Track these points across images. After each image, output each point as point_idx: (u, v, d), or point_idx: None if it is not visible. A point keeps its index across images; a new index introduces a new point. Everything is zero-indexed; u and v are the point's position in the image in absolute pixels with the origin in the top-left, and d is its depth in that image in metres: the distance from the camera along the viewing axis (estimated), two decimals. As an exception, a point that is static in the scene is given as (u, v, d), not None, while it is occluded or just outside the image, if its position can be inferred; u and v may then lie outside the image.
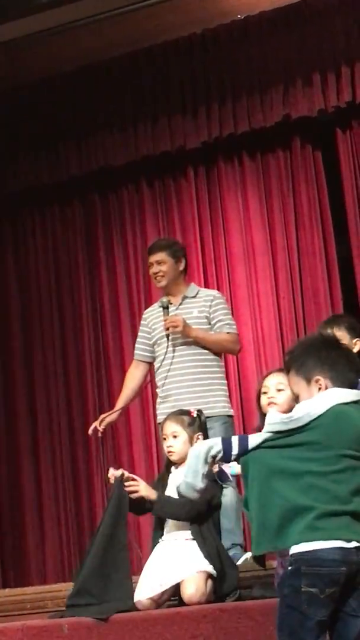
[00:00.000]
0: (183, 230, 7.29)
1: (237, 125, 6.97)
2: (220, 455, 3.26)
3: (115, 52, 7.16)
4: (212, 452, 3.27)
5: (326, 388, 3.24)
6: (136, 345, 5.97)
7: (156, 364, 5.81)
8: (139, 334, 5.97)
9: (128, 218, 7.53)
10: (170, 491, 4.74)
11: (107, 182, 7.58)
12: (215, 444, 3.28)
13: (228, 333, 5.77)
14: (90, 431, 5.89)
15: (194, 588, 4.50)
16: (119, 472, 4.83)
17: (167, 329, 5.64)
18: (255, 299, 7.09)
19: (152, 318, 5.89)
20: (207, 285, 6.91)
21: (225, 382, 5.92)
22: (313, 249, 6.98)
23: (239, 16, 6.97)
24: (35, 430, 7.56)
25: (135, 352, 5.96)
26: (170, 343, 5.67)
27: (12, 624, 4.67)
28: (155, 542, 4.82)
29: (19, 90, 7.42)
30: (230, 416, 5.78)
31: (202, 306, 5.77)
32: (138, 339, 5.96)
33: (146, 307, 6.28)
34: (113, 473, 4.84)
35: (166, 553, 4.70)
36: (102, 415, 5.98)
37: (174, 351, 5.68)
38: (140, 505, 4.83)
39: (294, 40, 6.83)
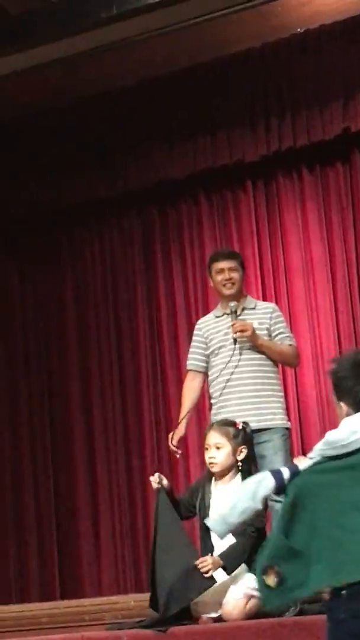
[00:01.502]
0: (241, 244, 7.28)
1: (297, 138, 6.96)
2: (273, 490, 3.22)
3: (175, 65, 7.19)
4: (266, 492, 3.23)
5: (347, 414, 3.21)
6: (191, 356, 5.94)
7: (212, 374, 5.79)
8: (194, 344, 5.95)
9: (186, 231, 7.55)
10: (213, 506, 4.71)
11: (165, 195, 7.60)
12: (264, 478, 3.23)
13: (290, 345, 5.77)
14: (176, 454, 5.87)
15: (231, 605, 4.48)
16: (160, 481, 4.79)
17: (236, 332, 5.64)
18: (313, 313, 7.06)
19: (209, 328, 5.88)
20: (265, 298, 6.90)
21: (283, 394, 5.91)
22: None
23: (298, 30, 6.96)
24: (91, 442, 7.59)
25: (191, 362, 5.93)
26: (236, 350, 5.65)
27: (71, 635, 4.69)
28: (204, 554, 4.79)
29: (78, 105, 7.49)
30: (287, 428, 5.75)
31: (261, 318, 5.78)
32: (193, 350, 5.94)
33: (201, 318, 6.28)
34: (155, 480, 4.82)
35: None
36: (170, 435, 5.91)
37: (238, 360, 5.67)
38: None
39: (353, 53, 6.80)
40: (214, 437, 4.86)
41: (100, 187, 7.55)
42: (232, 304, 5.74)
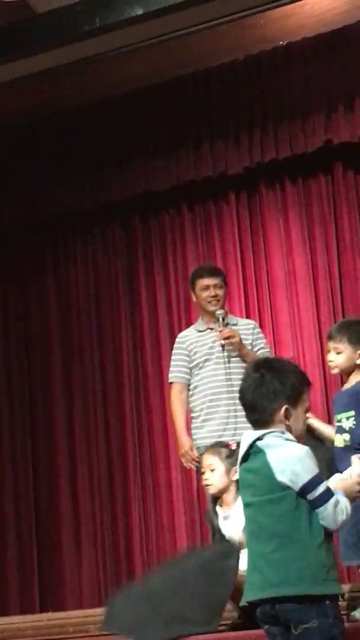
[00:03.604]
0: (224, 255, 7.31)
1: (279, 150, 6.99)
2: None
3: (159, 78, 7.21)
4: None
5: None
6: (176, 369, 5.96)
7: (196, 387, 5.83)
8: (177, 357, 5.97)
9: (169, 242, 7.56)
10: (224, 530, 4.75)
11: (148, 206, 7.61)
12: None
13: None
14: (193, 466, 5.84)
15: None
16: None
17: (224, 339, 5.67)
18: (296, 325, 7.08)
19: (192, 341, 5.92)
20: (247, 310, 6.94)
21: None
22: (355, 274, 6.97)
23: (281, 42, 6.99)
24: (73, 451, 7.58)
25: (177, 375, 5.95)
26: (225, 361, 5.67)
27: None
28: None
29: (62, 116, 7.49)
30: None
31: (244, 333, 5.85)
32: (177, 362, 5.97)
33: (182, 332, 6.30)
34: None
35: None
36: (183, 451, 5.85)
37: (228, 372, 5.70)
38: None
39: (336, 66, 6.84)
40: (207, 459, 4.91)
41: (84, 198, 7.56)
42: (220, 311, 5.80)
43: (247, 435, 3.34)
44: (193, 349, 5.90)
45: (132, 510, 7.33)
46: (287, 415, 3.28)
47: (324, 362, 6.92)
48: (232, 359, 5.76)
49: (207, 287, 5.90)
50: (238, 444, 4.95)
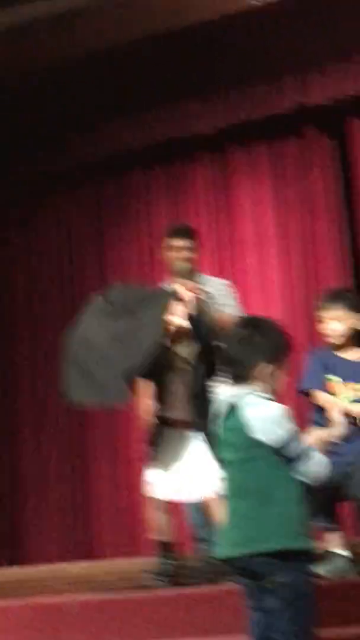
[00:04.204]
0: (195, 216, 7.27)
1: (251, 111, 6.96)
2: None
3: (129, 36, 7.10)
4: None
5: None
6: None
7: None
8: None
9: (140, 202, 7.52)
10: None
11: (119, 166, 7.56)
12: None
13: (229, 314, 5.78)
14: None
15: None
16: None
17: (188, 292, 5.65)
18: (266, 286, 7.08)
19: None
20: (217, 270, 6.91)
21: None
22: (324, 236, 6.97)
23: (255, 2, 6.93)
24: (38, 409, 7.57)
25: None
26: None
27: (19, 601, 4.70)
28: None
29: (27, 77, 7.34)
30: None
31: (212, 293, 5.80)
32: None
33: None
34: None
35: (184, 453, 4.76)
36: None
37: None
38: None
39: (310, 28, 6.79)
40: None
41: (54, 158, 7.50)
42: (183, 266, 5.75)
43: (225, 392, 3.38)
44: None
45: (101, 465, 7.32)
46: (268, 376, 3.32)
47: (293, 323, 6.96)
48: None
49: (177, 248, 5.86)
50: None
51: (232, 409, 3.31)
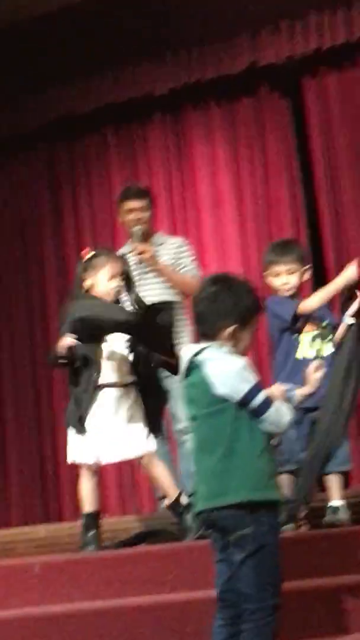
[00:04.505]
0: (150, 177, 7.24)
1: (205, 71, 6.95)
2: None
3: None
4: None
5: None
6: None
7: None
8: None
9: (94, 165, 7.48)
10: None
11: (72, 129, 7.50)
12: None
13: (192, 276, 5.81)
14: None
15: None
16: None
17: (138, 254, 5.66)
18: (221, 247, 7.09)
19: None
20: (174, 232, 6.90)
21: (189, 328, 5.96)
22: (280, 197, 6.98)
23: None
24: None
25: None
26: (141, 281, 5.66)
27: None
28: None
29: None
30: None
31: (169, 253, 5.85)
32: None
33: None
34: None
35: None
36: None
37: (139, 291, 5.69)
38: None
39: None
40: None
41: (5, 121, 7.43)
42: (136, 228, 5.77)
43: (187, 349, 3.38)
44: None
45: (59, 426, 7.31)
46: (233, 335, 3.31)
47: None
48: (149, 284, 5.75)
49: (131, 210, 5.86)
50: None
51: (193, 366, 3.31)
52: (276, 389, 3.41)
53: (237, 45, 6.87)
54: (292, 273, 4.94)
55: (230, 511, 3.20)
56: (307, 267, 5.03)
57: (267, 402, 3.24)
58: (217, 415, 3.23)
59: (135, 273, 5.68)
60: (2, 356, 7.55)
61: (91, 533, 4.75)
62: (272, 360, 5.10)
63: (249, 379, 3.25)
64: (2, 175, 7.73)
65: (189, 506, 4.62)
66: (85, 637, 3.97)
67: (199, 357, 3.30)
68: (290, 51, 6.76)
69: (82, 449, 4.77)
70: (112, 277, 4.95)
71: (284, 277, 4.94)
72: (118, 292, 4.97)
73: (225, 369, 3.24)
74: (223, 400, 3.23)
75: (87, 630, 3.99)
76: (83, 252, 5.11)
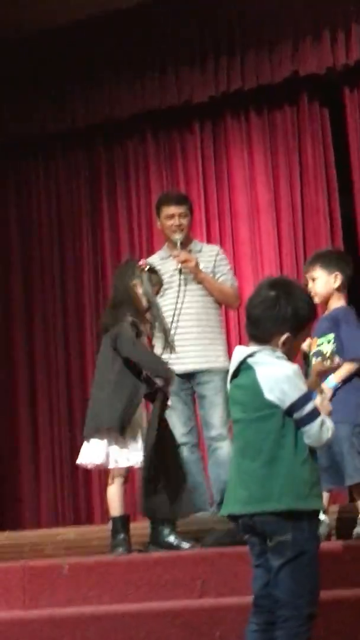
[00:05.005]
0: (187, 185, 7.28)
1: (245, 80, 6.97)
2: None
3: (124, 2, 7.11)
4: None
5: None
6: None
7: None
8: None
9: (132, 170, 7.53)
10: None
11: (112, 133, 7.56)
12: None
13: (231, 286, 5.84)
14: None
15: None
16: None
17: (180, 262, 5.67)
18: (258, 256, 7.09)
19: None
20: (209, 241, 6.92)
21: (225, 336, 5.98)
22: (317, 207, 6.98)
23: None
24: (33, 376, 7.58)
25: None
26: (182, 291, 5.68)
27: (13, 563, 4.73)
28: None
29: (26, 39, 7.38)
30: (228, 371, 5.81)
31: (206, 261, 5.84)
32: None
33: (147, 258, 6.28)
34: None
35: None
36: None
37: (182, 302, 5.71)
38: None
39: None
40: None
41: (48, 122, 7.51)
42: (178, 236, 5.77)
43: (239, 350, 3.33)
44: None
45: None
46: (285, 343, 3.26)
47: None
48: (189, 292, 5.76)
49: (171, 216, 5.86)
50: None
51: (244, 368, 3.27)
52: (324, 405, 3.33)
53: (278, 54, 6.89)
54: (316, 280, 4.89)
55: (271, 517, 3.18)
56: (335, 274, 4.86)
57: (314, 414, 3.20)
58: (264, 421, 3.20)
59: (174, 279, 5.71)
60: (36, 358, 7.58)
61: (121, 536, 4.76)
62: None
63: (300, 387, 3.21)
64: (43, 174, 7.79)
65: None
66: (113, 639, 3.97)
67: (251, 360, 3.25)
68: (332, 62, 6.75)
69: (116, 453, 4.82)
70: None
71: (310, 284, 4.91)
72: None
73: (276, 374, 3.20)
74: (272, 405, 3.18)
75: (115, 633, 3.99)
76: (141, 263, 5.13)
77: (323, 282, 4.85)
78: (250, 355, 3.25)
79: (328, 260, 4.90)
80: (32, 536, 5.69)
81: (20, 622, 4.18)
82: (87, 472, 7.21)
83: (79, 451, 7.27)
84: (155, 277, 5.12)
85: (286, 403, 3.18)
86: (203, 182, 7.29)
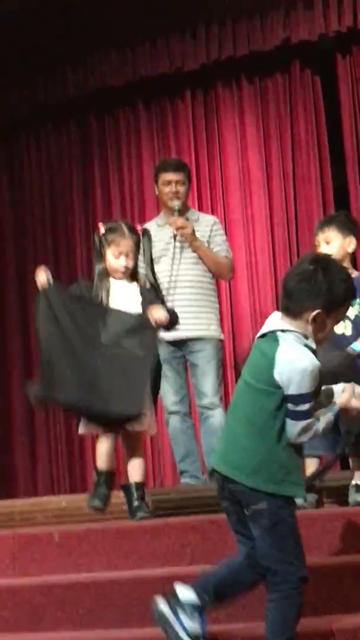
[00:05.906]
0: (178, 153, 7.24)
1: (237, 47, 6.93)
2: None
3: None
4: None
5: None
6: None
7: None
8: None
9: (124, 139, 7.51)
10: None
11: (103, 102, 7.53)
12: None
13: (225, 257, 5.81)
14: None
15: None
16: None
17: (177, 229, 5.64)
18: (249, 224, 7.08)
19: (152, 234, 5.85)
20: (201, 209, 6.89)
21: (218, 305, 5.96)
22: (309, 175, 6.97)
23: None
24: (27, 345, 7.58)
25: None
26: (176, 258, 5.66)
27: (3, 532, 4.75)
28: None
29: (16, 11, 7.30)
30: (221, 340, 5.83)
31: (203, 230, 5.80)
32: None
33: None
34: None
35: None
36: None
37: (178, 269, 5.69)
38: None
39: None
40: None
41: (39, 93, 7.48)
42: (176, 202, 5.73)
43: (275, 317, 3.29)
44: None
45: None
46: (315, 319, 3.22)
47: (275, 262, 6.98)
48: (184, 260, 5.73)
49: (169, 182, 5.81)
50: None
51: (272, 335, 3.24)
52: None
53: (270, 21, 6.85)
54: (330, 242, 4.81)
55: (244, 487, 3.19)
56: (350, 237, 4.75)
57: (305, 414, 3.18)
58: (265, 395, 3.18)
59: (170, 246, 5.69)
60: (29, 329, 7.57)
61: (101, 489, 4.77)
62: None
63: (307, 385, 3.17)
64: (34, 145, 7.76)
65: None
66: (102, 606, 3.99)
67: (281, 334, 3.22)
68: (324, 28, 6.71)
69: None
70: (120, 254, 4.93)
71: (324, 246, 4.82)
72: (126, 269, 4.94)
73: (294, 362, 3.16)
74: (276, 385, 3.17)
75: (105, 600, 4.00)
76: (99, 227, 5.09)
77: (338, 245, 4.73)
78: (284, 331, 3.22)
79: (344, 223, 4.79)
80: (22, 504, 5.70)
81: (10, 589, 4.19)
82: (82, 439, 7.26)
83: (73, 419, 7.36)
84: (109, 237, 4.99)
85: (288, 391, 3.16)
86: (194, 150, 7.27)
